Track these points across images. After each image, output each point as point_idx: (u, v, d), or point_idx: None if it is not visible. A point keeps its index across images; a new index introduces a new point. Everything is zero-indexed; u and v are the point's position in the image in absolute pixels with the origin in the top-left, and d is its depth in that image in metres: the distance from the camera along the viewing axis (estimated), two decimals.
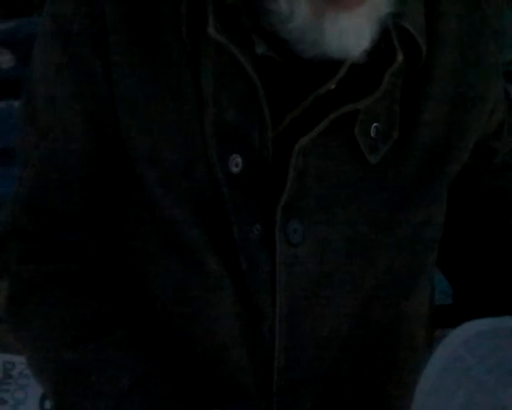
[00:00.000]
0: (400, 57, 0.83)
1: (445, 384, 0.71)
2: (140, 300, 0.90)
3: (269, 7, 0.78)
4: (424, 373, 0.72)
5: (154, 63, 0.84)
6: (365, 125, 0.84)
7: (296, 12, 0.77)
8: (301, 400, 0.88)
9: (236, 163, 0.83)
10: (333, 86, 0.82)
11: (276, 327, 0.86)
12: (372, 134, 0.85)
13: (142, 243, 0.89)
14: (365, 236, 0.87)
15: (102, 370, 0.85)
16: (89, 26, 0.84)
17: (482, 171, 0.98)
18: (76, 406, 0.87)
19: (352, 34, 0.77)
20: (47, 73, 0.88)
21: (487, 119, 0.93)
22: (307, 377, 0.88)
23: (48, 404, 1.49)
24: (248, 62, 0.81)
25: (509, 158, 1.01)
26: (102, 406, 0.85)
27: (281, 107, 0.83)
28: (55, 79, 0.87)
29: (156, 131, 0.84)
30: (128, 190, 0.88)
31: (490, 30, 0.90)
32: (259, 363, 0.87)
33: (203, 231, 0.85)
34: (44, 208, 0.90)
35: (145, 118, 0.84)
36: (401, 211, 0.88)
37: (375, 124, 0.85)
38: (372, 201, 0.86)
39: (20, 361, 1.46)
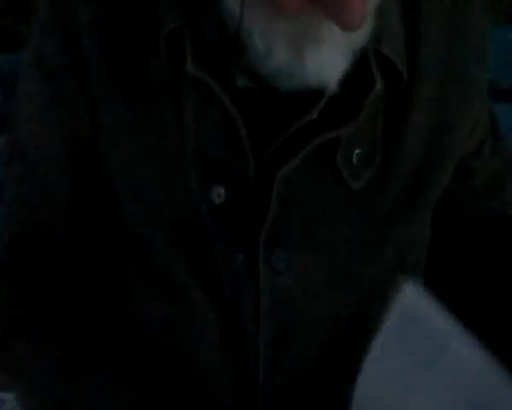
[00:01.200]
0: (379, 84, 0.83)
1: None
2: (124, 329, 0.90)
3: (247, 44, 0.78)
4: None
5: (135, 96, 0.84)
6: (347, 152, 0.84)
7: (274, 52, 0.77)
8: None
9: (219, 194, 0.84)
10: (314, 115, 0.83)
11: (260, 355, 0.86)
12: (354, 161, 0.85)
13: (124, 275, 0.89)
14: (350, 260, 0.87)
15: (92, 406, 0.85)
16: (71, 61, 0.84)
17: (461, 194, 0.98)
18: None
19: (329, 66, 0.77)
20: (31, 110, 0.88)
21: (468, 138, 0.93)
22: (294, 400, 0.88)
23: None
24: (226, 95, 0.81)
25: (491, 181, 1.00)
26: None
27: (262, 137, 0.83)
28: (39, 117, 0.87)
29: (139, 164, 0.84)
30: (110, 224, 0.89)
31: (471, 50, 0.90)
32: (244, 391, 0.87)
33: (186, 261, 0.85)
34: (31, 244, 0.90)
35: (128, 151, 0.84)
36: (385, 234, 0.88)
37: (357, 150, 0.85)
38: (356, 226, 0.87)
39: (10, 398, 1.46)
